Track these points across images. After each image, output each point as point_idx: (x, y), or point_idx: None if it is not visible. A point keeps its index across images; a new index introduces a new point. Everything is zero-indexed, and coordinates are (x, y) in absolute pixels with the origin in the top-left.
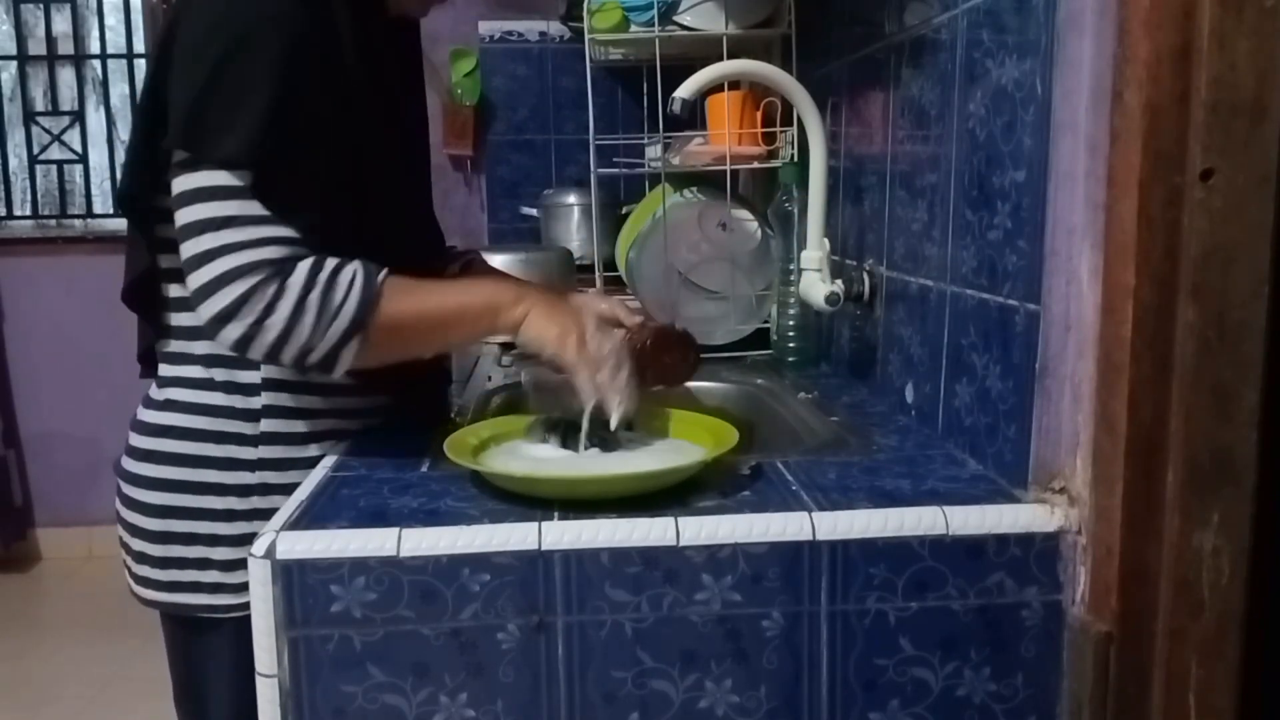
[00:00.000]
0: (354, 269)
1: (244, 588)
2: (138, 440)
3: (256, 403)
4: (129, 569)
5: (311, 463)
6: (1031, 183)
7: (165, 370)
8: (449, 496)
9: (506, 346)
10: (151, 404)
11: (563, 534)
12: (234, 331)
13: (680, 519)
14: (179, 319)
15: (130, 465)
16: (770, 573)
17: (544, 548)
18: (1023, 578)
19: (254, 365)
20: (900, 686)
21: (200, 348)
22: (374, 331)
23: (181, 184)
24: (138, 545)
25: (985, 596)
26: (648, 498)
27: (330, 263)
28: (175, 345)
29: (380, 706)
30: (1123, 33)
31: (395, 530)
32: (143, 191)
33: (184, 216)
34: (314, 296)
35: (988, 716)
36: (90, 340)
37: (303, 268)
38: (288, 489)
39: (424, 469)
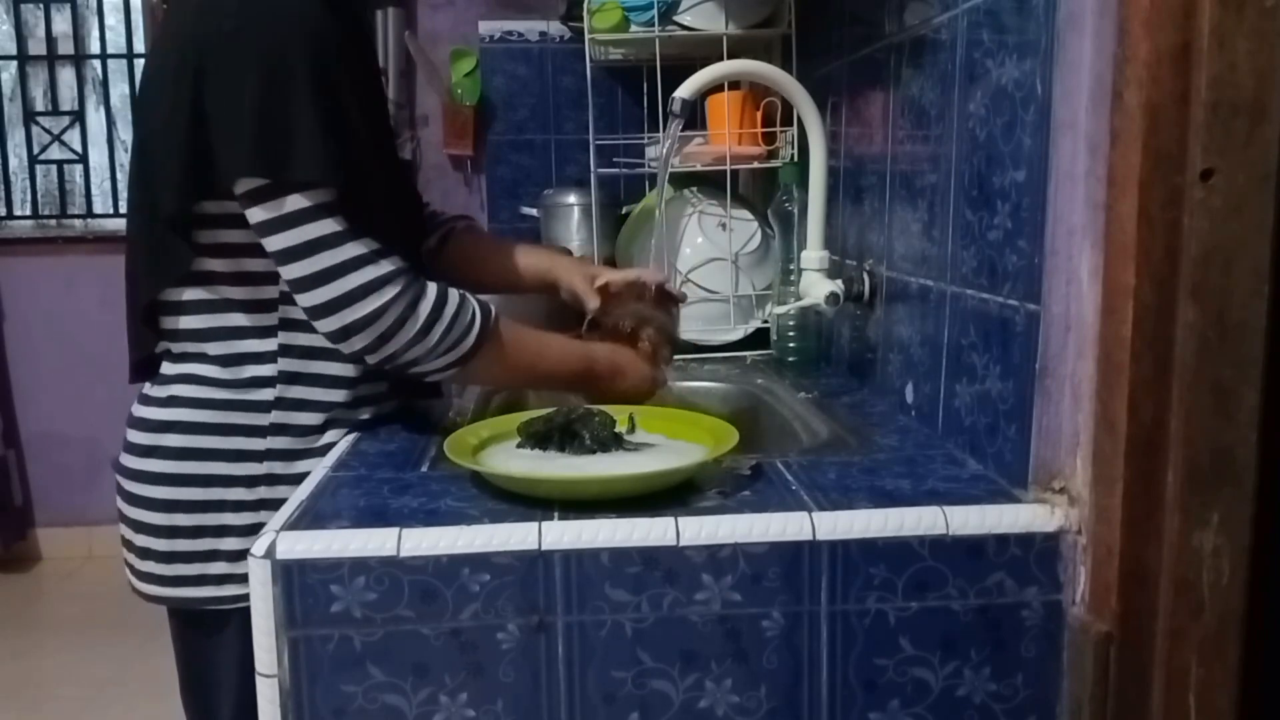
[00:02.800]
0: (473, 306)
1: None
2: (138, 437)
3: (269, 395)
4: (131, 566)
5: (318, 452)
6: (1031, 183)
7: (170, 368)
8: (449, 496)
9: None
10: (152, 401)
11: (563, 534)
12: (360, 341)
13: (680, 519)
14: (190, 321)
15: (132, 462)
16: (770, 573)
17: (544, 548)
18: (1023, 578)
19: (272, 359)
20: (900, 686)
21: (215, 348)
22: (476, 368)
23: (267, 210)
24: (142, 541)
25: (985, 596)
26: (648, 498)
27: (454, 295)
28: (183, 346)
29: (380, 706)
30: (1123, 33)
31: (395, 530)
32: (189, 205)
33: (285, 240)
34: (439, 328)
35: (988, 716)
36: (90, 340)
37: (431, 292)
38: (295, 479)
39: (424, 469)
